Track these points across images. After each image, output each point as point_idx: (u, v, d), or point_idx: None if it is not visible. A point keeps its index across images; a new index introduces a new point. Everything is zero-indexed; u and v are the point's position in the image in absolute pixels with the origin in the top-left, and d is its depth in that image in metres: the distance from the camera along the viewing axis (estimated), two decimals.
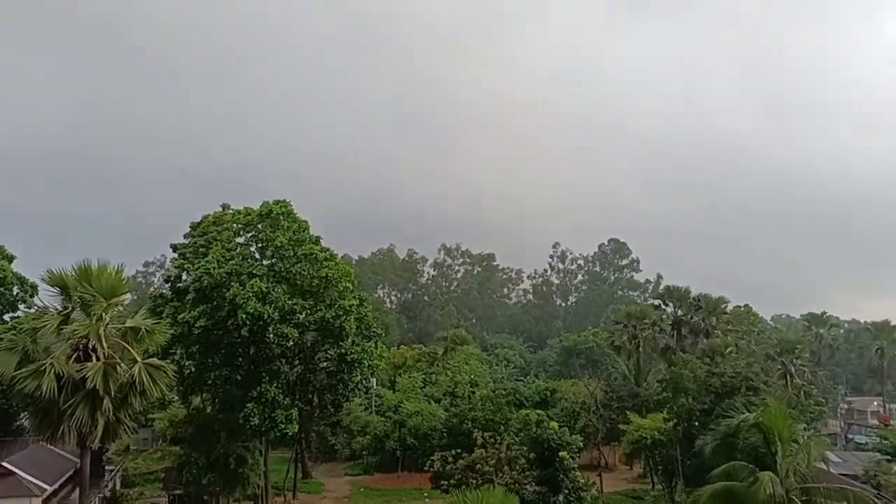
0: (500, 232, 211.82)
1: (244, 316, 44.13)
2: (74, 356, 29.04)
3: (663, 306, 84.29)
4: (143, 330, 30.48)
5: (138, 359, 29.41)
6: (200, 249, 48.29)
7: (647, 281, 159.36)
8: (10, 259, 64.09)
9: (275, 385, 46.83)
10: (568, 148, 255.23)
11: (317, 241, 49.52)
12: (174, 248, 50.97)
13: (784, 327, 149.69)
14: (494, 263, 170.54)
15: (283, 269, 46.98)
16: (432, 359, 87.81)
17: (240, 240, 49.50)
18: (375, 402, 73.05)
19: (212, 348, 47.16)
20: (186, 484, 48.94)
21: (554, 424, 47.75)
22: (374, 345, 52.50)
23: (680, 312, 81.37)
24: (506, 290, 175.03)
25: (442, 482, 43.63)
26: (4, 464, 40.97)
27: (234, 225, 49.57)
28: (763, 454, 28.22)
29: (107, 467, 52.42)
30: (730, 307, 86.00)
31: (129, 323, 30.73)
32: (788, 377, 74.65)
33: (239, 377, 48.99)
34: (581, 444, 48.95)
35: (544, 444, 44.43)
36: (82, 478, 30.92)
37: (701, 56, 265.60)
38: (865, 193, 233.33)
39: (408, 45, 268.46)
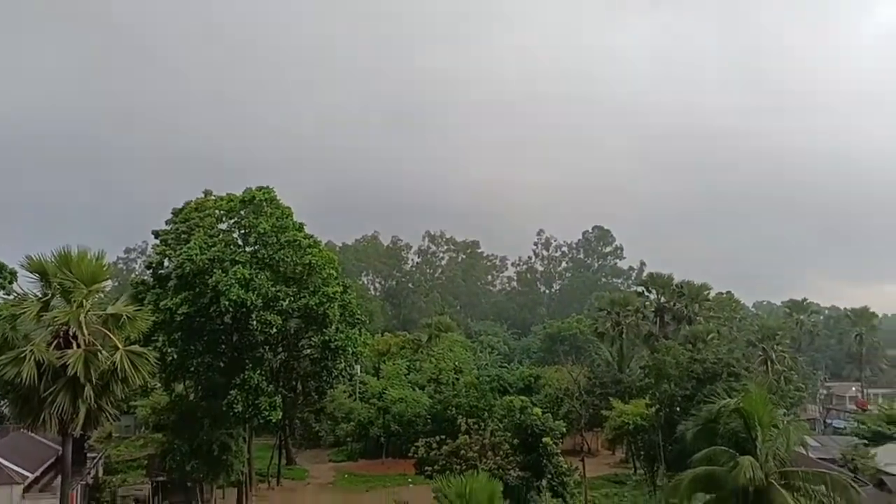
0: (485, 219, 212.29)
1: (227, 303, 43.92)
2: (55, 343, 28.75)
3: (646, 293, 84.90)
4: (125, 317, 30.20)
5: (120, 346, 29.16)
6: (182, 236, 47.97)
7: (631, 268, 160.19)
8: None
9: (258, 372, 46.71)
10: (553, 136, 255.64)
11: (300, 227, 49.30)
12: (156, 234, 50.59)
13: (765, 314, 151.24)
14: (479, 251, 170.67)
15: (266, 255, 46.76)
16: (416, 346, 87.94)
17: (222, 226, 49.20)
18: (359, 388, 73.11)
19: (194, 335, 46.93)
20: (170, 471, 48.81)
21: (537, 410, 47.99)
22: (358, 332, 52.46)
23: (663, 299, 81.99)
24: (490, 277, 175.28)
25: (426, 468, 43.79)
26: None
27: (217, 211, 49.25)
28: (743, 439, 28.54)
29: (89, 454, 52.09)
30: (712, 294, 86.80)
31: (110, 310, 30.42)
32: (769, 363, 75.48)
33: (222, 364, 48.84)
34: (564, 429, 49.25)
35: (528, 429, 44.71)
36: (64, 465, 30.71)
37: (693, 42, 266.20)
38: (846, 183, 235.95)
39: (396, 28, 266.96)
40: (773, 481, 26.59)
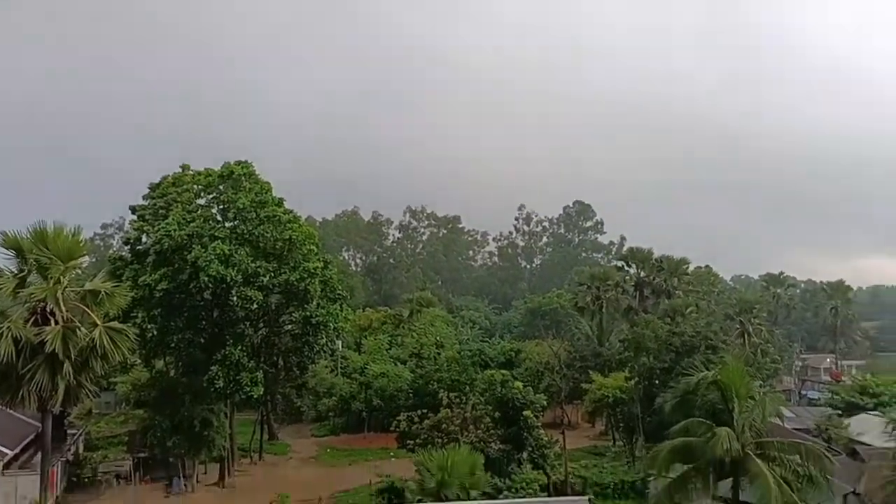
0: (466, 194, 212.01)
1: (206, 279, 43.66)
2: (32, 320, 28.57)
3: (626, 268, 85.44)
4: (103, 293, 30.02)
5: (98, 322, 29.01)
6: (160, 211, 47.49)
7: (611, 243, 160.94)
8: None
9: (239, 348, 46.64)
10: (532, 112, 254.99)
11: (280, 202, 48.96)
12: (133, 209, 50.00)
13: (743, 288, 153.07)
14: (460, 226, 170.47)
15: (245, 231, 46.43)
16: (398, 321, 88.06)
17: (201, 201, 48.72)
18: (341, 364, 73.21)
19: (174, 311, 46.66)
20: (151, 447, 48.78)
21: (518, 384, 48.36)
22: (339, 307, 52.45)
23: (642, 274, 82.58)
24: (471, 252, 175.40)
25: (408, 442, 44.06)
26: None
27: (195, 186, 48.75)
28: (720, 410, 28.98)
29: (69, 431, 51.90)
30: (691, 268, 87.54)
31: (87, 286, 30.22)
32: (746, 336, 76.55)
33: (202, 340, 48.69)
34: (545, 402, 49.72)
35: (509, 403, 45.08)
36: (44, 442, 30.63)
37: (661, 21, 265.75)
38: (823, 159, 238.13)
39: (374, 4, 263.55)
40: (749, 452, 27.07)
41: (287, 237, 47.40)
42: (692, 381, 30.78)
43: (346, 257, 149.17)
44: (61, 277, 29.03)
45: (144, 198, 49.67)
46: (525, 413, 44.41)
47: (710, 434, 27.27)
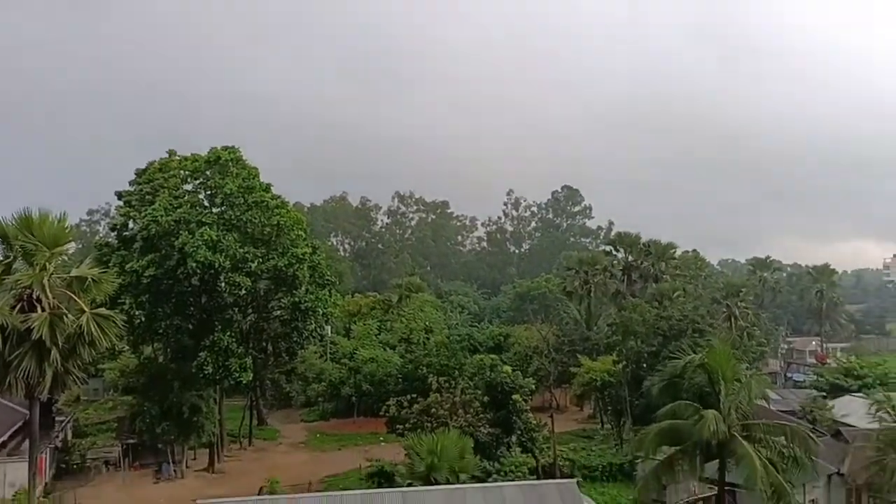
0: (454, 180, 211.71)
1: (194, 265, 43.49)
2: (18, 307, 28.33)
3: (614, 252, 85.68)
4: (90, 279, 29.76)
5: (85, 309, 28.81)
6: (147, 197, 47.21)
7: (599, 227, 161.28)
8: None
9: (228, 334, 46.59)
10: (521, 95, 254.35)
11: (267, 188, 48.75)
12: (119, 195, 49.68)
13: (730, 272, 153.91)
14: (448, 211, 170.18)
15: (233, 216, 46.23)
16: (387, 306, 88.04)
17: (188, 187, 48.46)
18: (330, 349, 73.22)
19: (162, 297, 46.51)
20: (140, 433, 48.76)
21: (507, 368, 48.59)
22: (327, 293, 52.42)
23: (630, 258, 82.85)
24: (460, 237, 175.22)
25: (397, 426, 44.21)
26: None
27: (182, 172, 48.45)
28: (707, 393, 29.27)
29: (57, 418, 51.72)
30: (678, 253, 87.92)
31: (74, 272, 29.95)
32: (733, 319, 77.06)
33: (191, 326, 48.59)
34: (533, 386, 49.99)
35: (498, 387, 45.29)
36: (32, 429, 30.49)
37: (655, 6, 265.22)
38: (808, 144, 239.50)
39: None
40: (735, 433, 27.39)
41: (275, 223, 47.25)
42: (679, 364, 31.05)
43: (335, 243, 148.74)
44: (47, 264, 28.78)
45: (131, 183, 49.33)
46: (514, 397, 44.64)
47: (697, 416, 27.54)
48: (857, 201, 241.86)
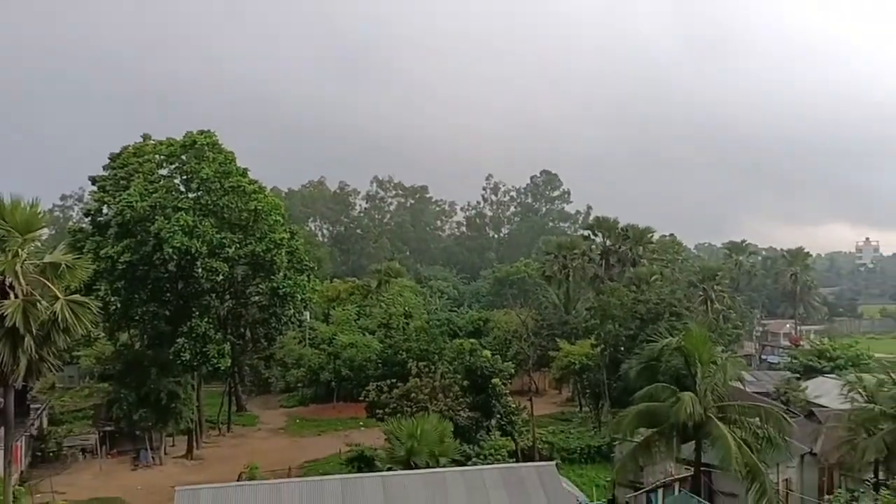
0: (433, 164, 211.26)
1: (170, 250, 43.10)
2: None
3: (592, 237, 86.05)
4: (64, 265, 29.33)
5: (60, 295, 28.41)
6: (121, 182, 46.61)
7: (578, 212, 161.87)
8: None
9: (205, 320, 46.31)
10: (500, 79, 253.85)
11: (244, 172, 48.31)
12: (93, 180, 48.98)
13: (706, 255, 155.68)
14: (427, 196, 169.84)
15: (209, 201, 45.80)
16: (366, 291, 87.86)
17: (163, 172, 47.91)
18: (309, 334, 73.02)
19: (138, 283, 46.06)
20: (117, 420, 48.46)
21: (487, 353, 48.75)
22: (306, 278, 52.21)
23: (608, 242, 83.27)
24: (439, 222, 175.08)
25: (377, 411, 44.25)
26: None
27: (157, 156, 47.87)
28: (684, 376, 29.63)
29: (32, 406, 51.10)
30: (656, 237, 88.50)
31: (47, 258, 29.52)
32: (709, 302, 77.90)
33: (168, 312, 48.23)
34: (512, 370, 50.24)
35: (477, 371, 45.45)
36: (6, 417, 30.16)
37: None
38: (782, 129, 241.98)
39: None
40: (711, 415, 27.76)
41: (252, 208, 46.90)
42: (656, 347, 31.37)
43: (313, 228, 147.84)
44: (20, 250, 28.31)
45: (105, 168, 48.64)
46: (493, 381, 44.85)
47: (673, 399, 27.86)
48: (832, 186, 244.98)
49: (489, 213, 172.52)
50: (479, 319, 77.80)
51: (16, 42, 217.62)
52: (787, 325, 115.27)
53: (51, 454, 47.49)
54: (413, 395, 42.82)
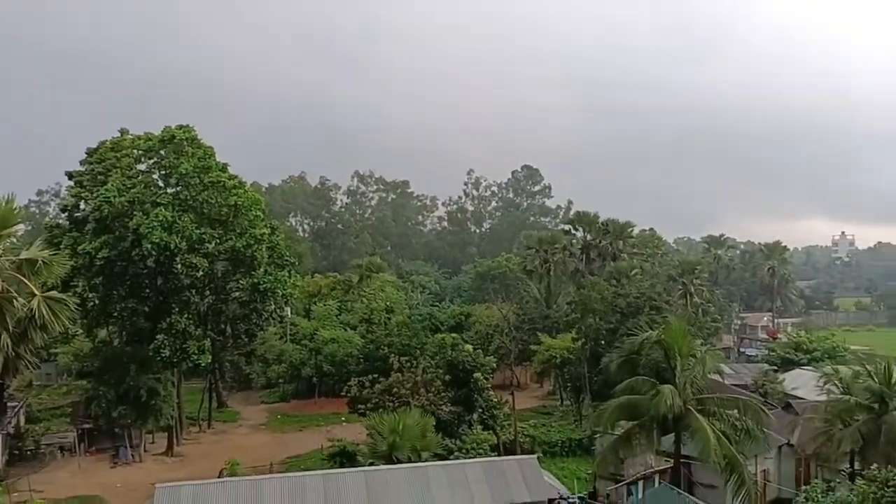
0: (415, 159, 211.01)
1: (149, 246, 42.71)
2: None
3: (573, 231, 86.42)
4: (40, 262, 29.10)
5: (36, 292, 28.17)
6: (99, 177, 46.07)
7: (559, 207, 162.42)
8: None
9: (185, 316, 45.98)
10: (481, 73, 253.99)
11: (224, 167, 47.93)
12: (70, 175, 48.38)
13: (685, 249, 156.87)
14: (409, 190, 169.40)
15: (189, 197, 45.41)
16: (347, 287, 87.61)
17: (141, 167, 47.40)
18: (290, 330, 72.73)
19: (116, 280, 45.64)
20: (96, 417, 48.01)
21: (468, 347, 48.85)
22: (287, 273, 51.94)
23: (589, 237, 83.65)
24: (420, 217, 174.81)
25: (359, 406, 44.20)
26: None
27: (135, 151, 47.35)
28: (664, 369, 29.92)
29: (9, 404, 50.44)
30: (636, 231, 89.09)
31: (24, 255, 29.26)
32: (688, 296, 78.61)
33: (147, 309, 47.85)
34: (494, 364, 50.37)
35: (459, 366, 45.54)
36: None
37: None
38: (760, 124, 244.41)
39: None
40: (690, 408, 28.07)
41: (232, 203, 46.57)
42: (637, 340, 31.67)
43: (294, 223, 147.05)
44: None
45: (82, 163, 48.04)
46: (475, 375, 44.95)
47: (653, 392, 28.14)
48: (809, 181, 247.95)
49: (470, 208, 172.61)
50: (461, 314, 77.92)
51: None
52: (765, 318, 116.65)
53: (28, 453, 46.93)
54: (395, 390, 42.85)
